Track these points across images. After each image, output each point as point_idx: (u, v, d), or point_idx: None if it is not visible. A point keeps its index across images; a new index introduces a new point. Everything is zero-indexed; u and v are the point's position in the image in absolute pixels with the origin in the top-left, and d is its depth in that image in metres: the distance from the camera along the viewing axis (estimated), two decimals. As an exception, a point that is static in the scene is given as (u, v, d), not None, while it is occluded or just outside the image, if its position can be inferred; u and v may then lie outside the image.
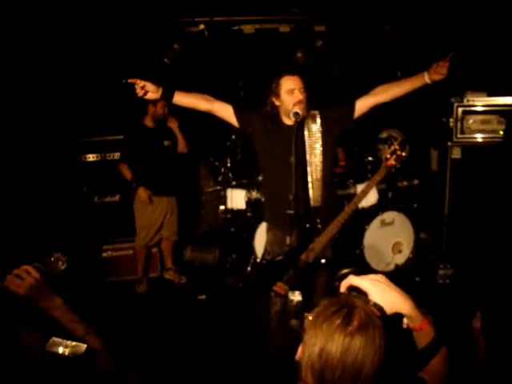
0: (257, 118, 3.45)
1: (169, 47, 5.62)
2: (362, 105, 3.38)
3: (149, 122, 5.11)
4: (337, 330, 1.26)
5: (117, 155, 5.30)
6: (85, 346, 1.79)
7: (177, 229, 5.40)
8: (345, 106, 3.44)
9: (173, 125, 5.17)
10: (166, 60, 5.63)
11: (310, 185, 3.36)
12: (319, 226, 3.37)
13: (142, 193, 5.02)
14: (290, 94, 3.27)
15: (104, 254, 5.35)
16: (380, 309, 1.35)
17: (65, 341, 1.80)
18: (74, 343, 1.80)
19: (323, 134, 3.37)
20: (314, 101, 3.41)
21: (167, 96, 3.30)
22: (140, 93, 3.19)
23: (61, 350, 1.77)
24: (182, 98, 3.36)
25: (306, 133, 3.36)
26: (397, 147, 3.37)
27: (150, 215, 5.18)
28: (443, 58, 3.15)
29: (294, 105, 3.23)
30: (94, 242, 5.31)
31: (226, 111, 3.44)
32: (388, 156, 3.38)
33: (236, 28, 5.72)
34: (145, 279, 5.34)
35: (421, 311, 1.49)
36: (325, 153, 3.38)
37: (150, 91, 3.20)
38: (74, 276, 4.82)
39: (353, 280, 1.45)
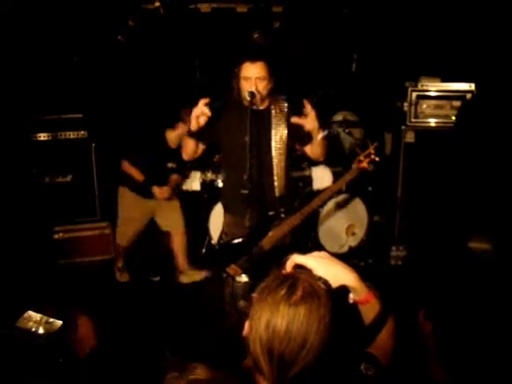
0: (219, 120, 3.39)
1: (123, 24, 5.49)
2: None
3: (172, 141, 4.45)
4: (281, 301, 1.27)
5: (69, 134, 5.15)
6: (60, 322, 1.72)
7: (181, 219, 4.85)
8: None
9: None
10: (119, 37, 5.51)
11: (275, 173, 3.36)
12: (282, 215, 3.39)
13: (160, 191, 4.54)
14: (245, 81, 3.23)
15: (55, 236, 5.20)
16: (325, 282, 1.36)
17: (39, 315, 1.72)
18: (49, 319, 1.72)
19: (289, 124, 3.34)
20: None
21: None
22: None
23: (34, 326, 1.70)
24: (194, 143, 3.38)
25: (272, 118, 3.34)
26: (372, 151, 3.42)
27: (133, 212, 4.68)
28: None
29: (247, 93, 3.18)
30: (45, 223, 5.15)
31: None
32: (362, 158, 3.44)
33: (192, 6, 5.64)
34: (126, 271, 4.90)
35: (366, 284, 1.51)
36: (289, 140, 3.38)
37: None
38: (26, 259, 4.76)
39: (297, 259, 1.46)
